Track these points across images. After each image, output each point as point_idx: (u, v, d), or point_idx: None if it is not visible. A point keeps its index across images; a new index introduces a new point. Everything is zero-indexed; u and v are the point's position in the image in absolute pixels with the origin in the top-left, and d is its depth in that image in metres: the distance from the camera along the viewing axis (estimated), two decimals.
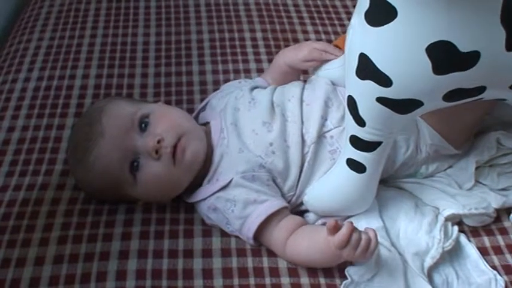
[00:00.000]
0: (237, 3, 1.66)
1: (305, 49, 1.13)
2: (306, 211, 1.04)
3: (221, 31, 1.55)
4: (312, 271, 0.95)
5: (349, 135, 0.94)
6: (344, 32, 1.50)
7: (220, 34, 1.54)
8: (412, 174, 1.08)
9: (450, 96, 0.84)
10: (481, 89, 0.84)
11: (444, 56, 0.79)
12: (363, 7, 0.83)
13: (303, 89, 1.09)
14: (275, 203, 0.99)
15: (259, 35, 1.53)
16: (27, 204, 1.06)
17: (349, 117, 0.92)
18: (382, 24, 0.81)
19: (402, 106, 0.86)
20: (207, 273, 0.95)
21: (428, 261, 0.95)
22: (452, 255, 0.98)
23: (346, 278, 0.93)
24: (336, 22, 1.58)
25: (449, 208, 1.01)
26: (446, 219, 1.00)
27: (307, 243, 0.94)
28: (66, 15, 1.62)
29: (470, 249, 0.99)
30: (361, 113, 0.89)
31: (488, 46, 0.79)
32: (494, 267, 0.97)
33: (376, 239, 0.90)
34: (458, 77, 0.81)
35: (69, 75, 1.39)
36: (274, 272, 0.95)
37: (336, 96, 1.06)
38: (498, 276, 0.95)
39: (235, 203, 0.99)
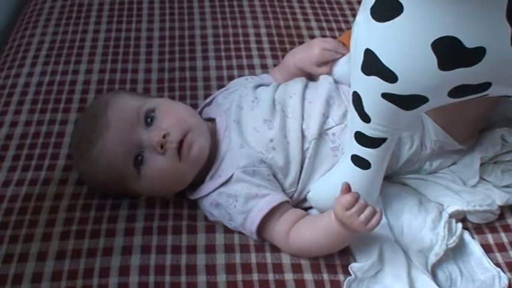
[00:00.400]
0: None
1: (316, 49, 1.12)
2: (309, 208, 1.04)
3: (225, 27, 1.55)
4: (316, 267, 0.95)
5: (354, 132, 0.93)
6: (348, 28, 1.50)
7: (224, 30, 1.53)
8: (416, 170, 1.08)
9: (455, 92, 0.84)
10: (486, 85, 0.84)
11: (450, 52, 0.79)
12: (369, 3, 0.83)
13: (306, 86, 1.09)
14: (277, 197, 0.99)
15: (263, 30, 1.52)
16: (29, 199, 1.06)
17: (354, 114, 0.92)
18: (388, 20, 0.80)
19: (407, 102, 0.86)
20: (211, 269, 0.94)
21: (432, 258, 0.95)
22: (456, 252, 0.98)
23: (350, 274, 0.92)
24: (340, 18, 1.58)
25: (454, 205, 1.01)
26: (451, 215, 1.00)
27: (310, 229, 0.95)
28: (70, 10, 1.62)
29: (474, 246, 0.99)
30: (366, 109, 0.89)
31: (494, 42, 0.79)
32: (497, 265, 0.97)
33: (380, 215, 0.89)
34: (463, 73, 0.81)
35: (72, 70, 1.39)
36: (278, 267, 0.95)
37: (338, 95, 1.07)
38: (502, 274, 0.95)
39: (237, 198, 0.99)
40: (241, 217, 0.98)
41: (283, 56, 1.25)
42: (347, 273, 0.93)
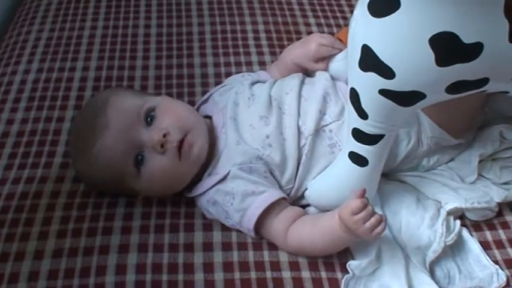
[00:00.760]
0: None
1: (313, 45, 1.12)
2: (307, 205, 1.04)
3: (223, 23, 1.54)
4: (313, 265, 0.95)
5: (351, 128, 0.93)
6: (346, 25, 1.49)
7: (222, 26, 1.53)
8: (414, 167, 1.07)
9: (453, 88, 0.83)
10: (484, 81, 0.83)
11: (447, 48, 0.79)
12: None
13: (302, 83, 1.08)
14: (274, 194, 0.98)
15: (261, 27, 1.52)
16: (26, 198, 1.06)
17: (351, 110, 0.91)
18: (385, 15, 0.80)
19: (405, 98, 0.86)
20: (208, 267, 0.94)
21: (430, 256, 0.94)
22: (454, 249, 0.98)
23: (348, 272, 0.92)
24: (339, 15, 1.58)
25: (452, 202, 1.00)
26: (449, 213, 1.00)
27: (310, 228, 0.94)
28: (67, 7, 1.61)
29: (472, 243, 0.98)
30: (363, 105, 0.89)
31: (492, 38, 0.78)
32: (496, 262, 0.96)
33: (385, 225, 0.89)
34: (461, 69, 0.80)
35: (69, 68, 1.39)
36: (275, 265, 0.95)
37: (335, 92, 1.06)
38: (500, 271, 0.95)
39: (234, 196, 0.98)
40: (238, 215, 0.98)
41: (281, 53, 1.25)
42: (345, 271, 0.93)
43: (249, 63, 1.39)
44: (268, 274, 0.93)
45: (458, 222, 1.00)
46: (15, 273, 0.93)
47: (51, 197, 1.06)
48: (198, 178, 1.04)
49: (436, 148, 1.06)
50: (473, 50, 0.79)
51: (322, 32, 1.49)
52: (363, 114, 0.90)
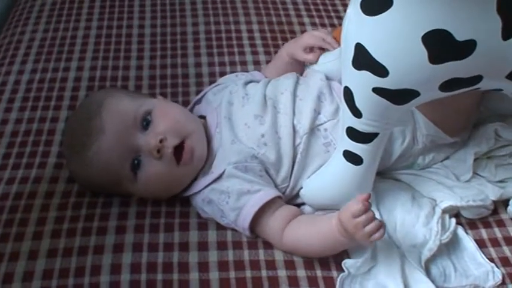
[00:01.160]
0: None
1: (305, 36, 1.14)
2: (302, 204, 1.03)
3: (217, 23, 1.54)
4: (309, 264, 0.95)
5: (345, 127, 0.93)
6: (340, 24, 1.48)
7: (216, 26, 1.53)
8: (409, 165, 1.07)
9: (446, 86, 0.83)
10: (478, 79, 0.83)
11: (440, 45, 0.78)
12: None
13: (297, 83, 1.08)
14: (269, 192, 0.98)
15: (255, 27, 1.52)
16: (20, 198, 1.06)
17: (345, 109, 0.91)
18: (378, 13, 0.80)
19: (398, 96, 0.86)
20: (203, 266, 0.94)
21: (426, 254, 0.94)
22: (449, 247, 0.98)
23: (343, 271, 0.92)
24: (333, 14, 1.58)
25: (447, 200, 1.00)
26: (444, 211, 1.00)
27: (306, 229, 0.94)
28: (61, 7, 1.61)
29: (467, 241, 0.98)
30: (357, 104, 0.89)
31: (485, 35, 0.78)
32: (491, 260, 0.96)
33: (385, 230, 0.88)
34: (454, 66, 0.80)
35: (63, 68, 1.38)
36: (271, 264, 0.94)
37: (329, 92, 1.06)
38: (495, 269, 0.95)
39: (229, 195, 0.98)
40: (233, 214, 0.98)
41: (275, 52, 1.25)
42: (340, 269, 0.93)
43: (243, 63, 1.39)
44: (264, 273, 0.93)
45: (453, 220, 0.99)
46: (10, 273, 0.93)
47: (45, 197, 1.05)
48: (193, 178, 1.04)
49: (431, 146, 1.06)
50: (467, 48, 0.79)
51: None
52: (357, 113, 0.90)
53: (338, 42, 1.16)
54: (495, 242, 1.00)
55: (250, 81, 1.13)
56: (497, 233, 1.01)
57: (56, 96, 1.30)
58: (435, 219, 0.98)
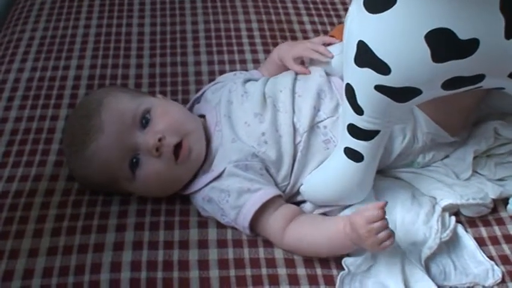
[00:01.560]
0: None
1: (299, 46, 1.12)
2: (302, 202, 1.03)
3: (216, 21, 1.54)
4: (309, 262, 0.95)
5: (346, 124, 0.93)
6: (340, 23, 1.50)
7: (215, 25, 1.53)
8: (409, 163, 1.07)
9: (449, 84, 0.83)
10: (480, 77, 0.83)
11: (443, 44, 0.79)
12: None
13: (295, 80, 1.08)
14: (269, 191, 0.98)
15: (254, 25, 1.52)
16: (20, 196, 1.05)
17: (347, 106, 0.91)
18: (381, 11, 0.80)
19: (401, 94, 0.86)
20: (203, 265, 0.94)
21: (426, 252, 0.94)
22: (449, 245, 0.98)
23: (343, 269, 0.92)
24: (332, 13, 1.58)
25: (447, 198, 1.00)
26: (444, 209, 1.00)
27: (310, 230, 0.94)
28: (61, 5, 1.61)
29: (467, 239, 0.99)
30: (359, 101, 0.89)
31: (488, 34, 0.78)
32: (491, 258, 0.97)
33: (393, 240, 0.88)
34: (457, 65, 0.80)
35: (63, 66, 1.38)
36: (271, 262, 0.94)
37: (330, 88, 1.06)
38: (495, 267, 0.95)
39: (229, 193, 0.98)
40: (233, 212, 0.98)
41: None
42: (340, 268, 0.93)
43: (243, 61, 1.39)
44: (264, 271, 0.93)
45: (453, 218, 1.00)
46: (10, 270, 0.93)
47: (45, 195, 1.05)
48: (193, 176, 1.04)
49: (431, 145, 1.06)
50: (470, 46, 0.79)
51: (316, 30, 1.50)
52: (358, 110, 0.90)
53: (337, 39, 1.17)
54: (495, 240, 1.00)
55: (249, 80, 1.13)
56: (497, 231, 1.01)
57: (56, 94, 1.30)
58: (435, 217, 0.98)
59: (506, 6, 0.76)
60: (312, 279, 0.92)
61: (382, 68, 0.83)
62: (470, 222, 1.02)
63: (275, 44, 1.42)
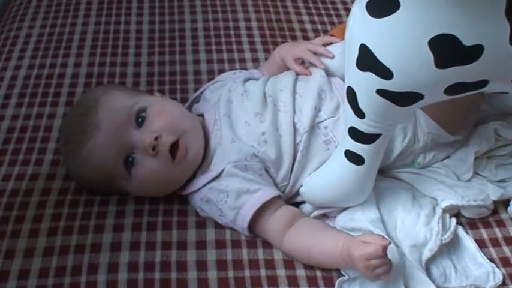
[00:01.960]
0: None
1: (300, 47, 1.12)
2: (302, 202, 1.03)
3: (216, 20, 1.53)
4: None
5: (347, 127, 0.92)
6: (340, 22, 1.49)
7: (214, 23, 1.52)
8: (409, 163, 1.07)
9: (451, 89, 0.83)
10: (484, 83, 0.83)
11: (447, 50, 0.78)
12: None
13: (296, 79, 1.08)
14: (268, 192, 0.97)
15: (254, 24, 1.51)
16: (16, 195, 1.05)
17: (348, 109, 0.91)
18: (384, 16, 0.79)
19: (402, 99, 0.85)
20: (201, 265, 0.93)
21: (426, 254, 0.93)
22: (450, 247, 0.97)
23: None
24: (332, 12, 1.57)
25: (448, 199, 1.00)
26: (444, 210, 0.99)
27: (310, 241, 0.93)
28: (58, 3, 1.60)
29: (468, 241, 0.98)
30: (360, 104, 0.88)
31: (492, 40, 0.77)
32: (491, 260, 0.96)
33: (390, 272, 0.87)
34: (460, 71, 0.80)
35: (60, 64, 1.38)
36: (270, 264, 0.94)
37: (330, 88, 1.06)
38: (496, 269, 0.94)
39: (228, 194, 0.97)
40: (232, 213, 0.97)
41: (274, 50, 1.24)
42: (340, 270, 0.92)
43: (242, 60, 1.38)
44: (263, 272, 0.92)
45: (454, 220, 0.99)
46: (6, 271, 0.92)
47: (42, 195, 1.05)
48: (191, 176, 1.03)
49: (432, 145, 1.06)
50: (474, 53, 0.78)
51: (316, 30, 1.49)
52: (359, 113, 0.89)
53: (338, 38, 1.16)
54: (495, 242, 0.99)
55: (249, 79, 1.12)
56: (498, 233, 1.01)
57: (53, 92, 1.29)
58: (436, 219, 0.97)
59: (510, 12, 0.75)
60: (312, 281, 0.91)
61: (384, 72, 0.82)
62: (470, 224, 1.02)
63: (274, 43, 1.42)
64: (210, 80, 1.27)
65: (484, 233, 1.01)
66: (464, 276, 0.93)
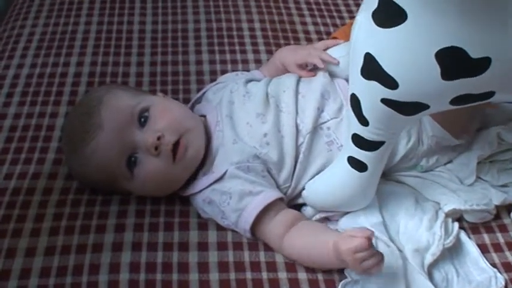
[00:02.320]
0: None
1: (302, 52, 1.11)
2: (304, 204, 1.02)
3: (218, 21, 1.53)
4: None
5: (351, 134, 0.92)
6: (343, 24, 1.49)
7: (217, 24, 1.52)
8: (412, 167, 1.06)
9: (457, 100, 0.83)
10: (490, 94, 0.82)
11: (454, 62, 0.77)
12: (371, 5, 0.81)
13: (299, 80, 1.08)
14: (270, 194, 0.97)
15: (257, 25, 1.51)
16: (18, 193, 1.04)
17: (352, 116, 0.90)
18: (391, 26, 0.79)
19: (407, 108, 0.85)
20: (203, 267, 0.93)
21: (429, 258, 0.93)
22: (452, 252, 0.97)
23: (344, 274, 0.91)
24: (335, 14, 1.57)
25: (451, 203, 1.00)
26: (447, 214, 0.99)
27: (305, 242, 0.93)
28: (61, 2, 1.60)
29: (470, 246, 0.98)
30: (364, 112, 0.88)
31: (500, 52, 0.77)
32: (494, 265, 0.96)
33: (383, 265, 0.87)
34: (467, 83, 0.79)
35: (63, 63, 1.37)
36: (272, 266, 0.94)
37: (333, 89, 1.06)
38: (498, 274, 0.94)
39: (231, 195, 0.97)
40: (235, 215, 0.97)
41: (277, 51, 1.24)
42: (341, 272, 0.92)
43: (245, 61, 1.38)
44: (264, 275, 0.92)
45: (456, 224, 0.99)
46: (7, 270, 0.92)
47: (43, 194, 1.04)
48: (192, 176, 1.03)
49: (435, 148, 1.05)
50: (481, 65, 0.77)
51: (319, 32, 1.49)
52: (363, 121, 0.89)
53: (342, 40, 1.16)
54: (498, 247, 0.99)
55: (251, 80, 1.12)
56: (500, 238, 1.01)
57: (56, 91, 1.29)
58: (438, 223, 0.97)
59: None
60: (313, 284, 0.91)
61: (389, 82, 0.82)
62: (473, 229, 1.01)
63: (277, 45, 1.42)
64: (212, 80, 1.26)
65: (486, 238, 1.00)
66: (467, 281, 0.93)
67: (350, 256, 0.86)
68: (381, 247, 0.93)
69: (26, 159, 1.11)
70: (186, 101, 1.22)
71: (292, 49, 1.17)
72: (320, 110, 1.03)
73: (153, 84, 1.32)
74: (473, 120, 1.08)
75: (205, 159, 1.03)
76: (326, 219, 1.00)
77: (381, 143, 0.91)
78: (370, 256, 0.86)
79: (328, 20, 1.54)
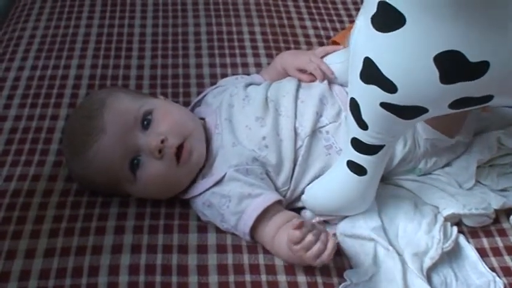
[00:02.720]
0: None
1: (302, 58, 1.12)
2: (303, 208, 1.03)
3: (219, 24, 1.53)
4: (309, 269, 0.93)
5: (350, 138, 0.92)
6: (343, 28, 1.49)
7: (218, 27, 1.52)
8: (410, 170, 1.06)
9: (456, 104, 0.83)
10: (489, 98, 0.83)
11: (453, 66, 0.78)
12: (370, 10, 0.81)
13: (299, 86, 1.08)
14: (269, 196, 0.97)
15: (257, 29, 1.51)
16: (18, 195, 1.05)
17: (351, 120, 0.90)
18: (390, 31, 0.79)
19: (406, 112, 0.85)
20: (202, 270, 0.93)
21: (427, 262, 0.93)
22: (451, 256, 0.97)
23: (343, 277, 0.91)
24: (335, 18, 1.57)
25: (450, 208, 1.00)
26: (446, 218, 0.99)
27: (278, 241, 0.93)
28: (62, 4, 1.60)
29: (469, 250, 0.98)
30: (363, 116, 0.88)
31: (498, 56, 0.77)
32: (492, 269, 0.96)
33: (333, 250, 0.88)
34: (465, 87, 0.80)
35: (63, 65, 1.37)
36: (271, 269, 0.94)
37: (331, 95, 1.06)
38: (497, 278, 0.94)
39: (230, 198, 0.97)
40: (234, 218, 0.97)
41: (277, 55, 1.24)
42: (341, 275, 0.92)
43: (245, 65, 1.38)
44: (263, 278, 0.92)
45: (455, 228, 0.99)
46: (6, 272, 0.92)
47: (43, 196, 1.05)
48: (192, 179, 1.03)
49: (433, 151, 1.05)
50: (479, 69, 0.78)
51: (319, 35, 1.49)
52: (363, 125, 0.89)
53: (340, 45, 1.16)
54: (497, 252, 0.99)
55: (251, 84, 1.13)
56: (499, 242, 1.01)
57: (56, 93, 1.29)
58: (437, 227, 0.97)
59: None
60: (312, 286, 0.91)
61: (388, 86, 0.82)
62: (472, 233, 1.02)
63: (277, 48, 1.42)
64: (212, 84, 1.27)
65: (485, 242, 1.00)
66: (465, 285, 0.93)
67: (292, 249, 0.88)
68: (381, 252, 0.94)
69: (26, 161, 1.12)
70: (186, 104, 1.22)
71: (293, 53, 1.18)
72: (319, 115, 1.04)
73: (154, 87, 1.32)
74: (466, 117, 1.07)
75: (204, 162, 1.03)
76: (325, 223, 1.01)
77: (380, 147, 0.91)
78: (311, 244, 0.86)
79: (328, 24, 1.54)
